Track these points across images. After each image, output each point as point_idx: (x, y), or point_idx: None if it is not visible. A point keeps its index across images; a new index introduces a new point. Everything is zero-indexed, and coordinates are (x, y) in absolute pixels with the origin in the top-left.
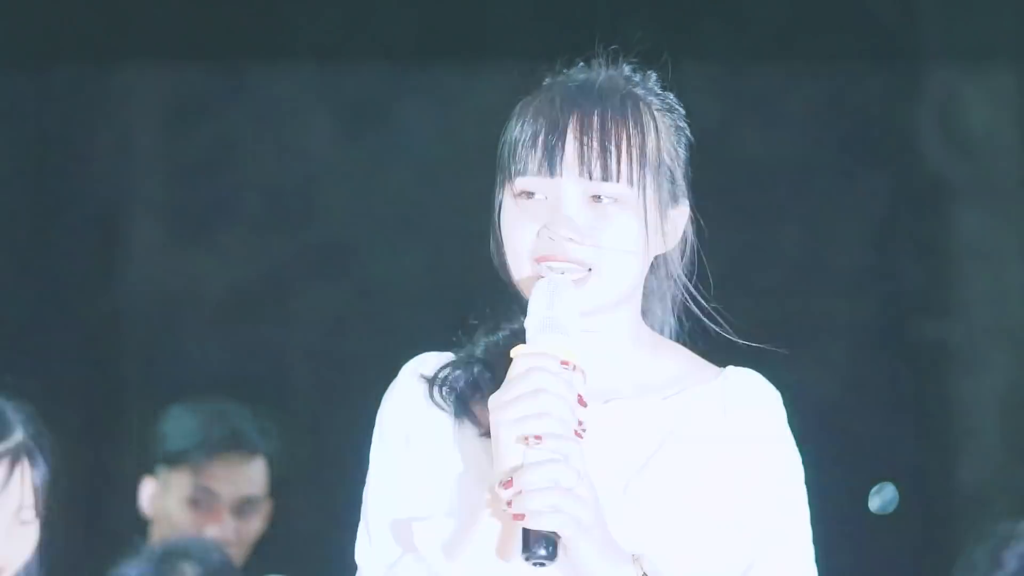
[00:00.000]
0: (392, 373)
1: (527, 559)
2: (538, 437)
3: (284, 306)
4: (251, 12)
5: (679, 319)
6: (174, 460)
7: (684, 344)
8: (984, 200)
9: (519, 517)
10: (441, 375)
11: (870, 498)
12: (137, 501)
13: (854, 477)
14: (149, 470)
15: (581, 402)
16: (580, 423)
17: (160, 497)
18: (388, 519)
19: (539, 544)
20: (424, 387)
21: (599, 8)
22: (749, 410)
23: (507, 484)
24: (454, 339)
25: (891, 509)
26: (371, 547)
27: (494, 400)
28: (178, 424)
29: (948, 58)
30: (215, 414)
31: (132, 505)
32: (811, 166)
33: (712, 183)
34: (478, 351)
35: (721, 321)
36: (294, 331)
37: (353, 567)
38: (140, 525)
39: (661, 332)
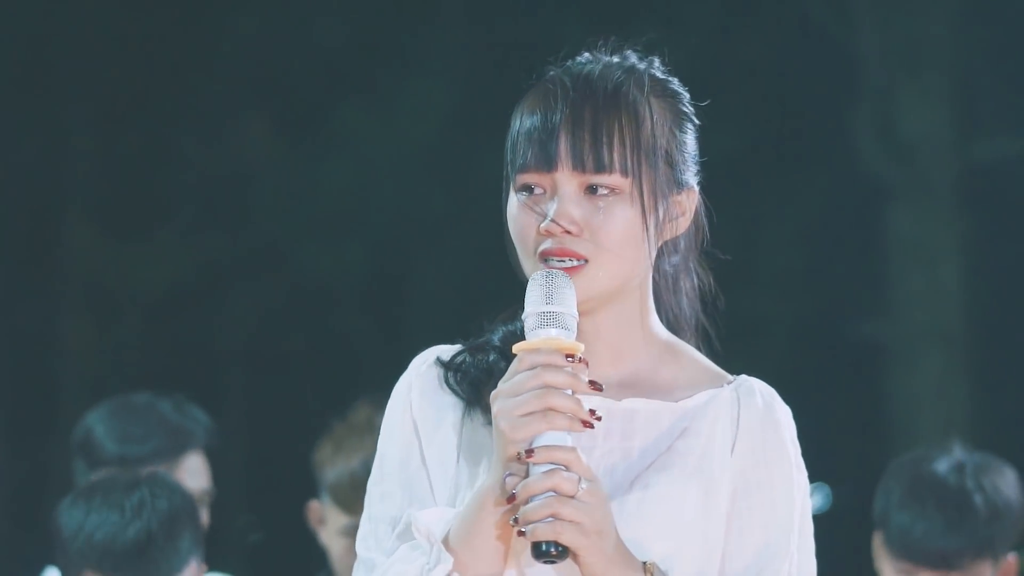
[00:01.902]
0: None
1: (537, 559)
2: (529, 453)
3: (220, 304)
4: (188, 13)
5: (693, 309)
6: (129, 463)
7: (701, 341)
8: (918, 201)
9: (521, 534)
10: (457, 361)
11: None
12: None
13: None
14: (87, 475)
15: (595, 387)
16: (593, 412)
17: None
18: (389, 510)
19: (548, 545)
20: (439, 372)
21: (536, 9)
22: (760, 422)
23: (510, 500)
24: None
25: (825, 509)
26: (373, 537)
27: (497, 395)
28: (118, 427)
29: (883, 61)
30: (152, 413)
31: None
32: (746, 167)
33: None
34: (496, 339)
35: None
36: (230, 329)
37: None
38: None
39: (675, 324)
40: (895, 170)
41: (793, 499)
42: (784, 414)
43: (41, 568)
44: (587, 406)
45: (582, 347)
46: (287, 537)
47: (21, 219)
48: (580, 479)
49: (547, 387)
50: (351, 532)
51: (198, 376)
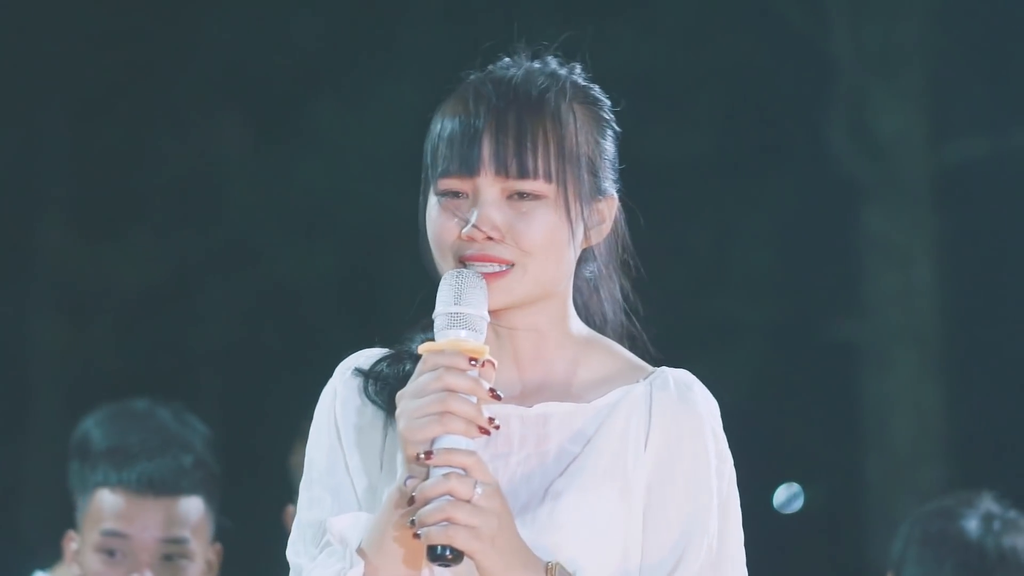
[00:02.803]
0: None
1: (432, 562)
2: (428, 455)
3: (194, 304)
4: (161, 11)
5: (618, 314)
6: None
7: (632, 341)
8: (892, 201)
9: (417, 537)
10: (376, 370)
11: (775, 497)
12: (48, 499)
13: (761, 477)
14: (81, 478)
15: (494, 396)
16: (492, 420)
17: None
18: (318, 515)
19: (443, 548)
20: (359, 382)
21: (508, 9)
22: (673, 413)
23: (410, 502)
24: (376, 338)
25: (797, 508)
26: (301, 542)
27: (401, 395)
28: (116, 433)
29: (857, 62)
30: (151, 421)
31: (41, 504)
32: (720, 167)
33: (620, 184)
34: (413, 347)
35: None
36: (203, 329)
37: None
38: (49, 524)
39: (602, 328)
40: (869, 170)
41: (710, 490)
42: (703, 403)
43: (22, 571)
44: (496, 413)
45: (487, 349)
46: (262, 541)
47: None
48: (476, 483)
49: (447, 390)
50: None
51: (172, 377)
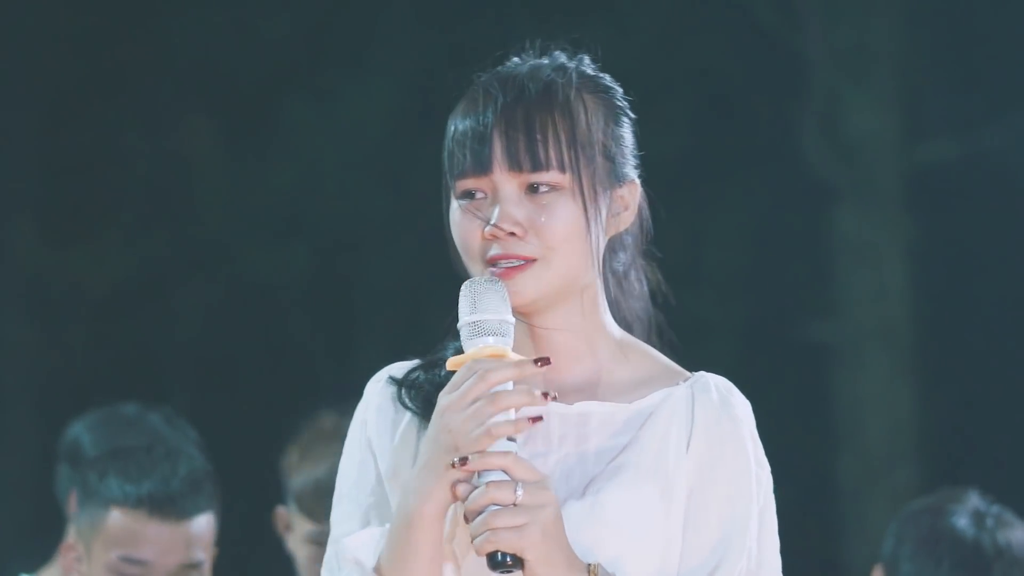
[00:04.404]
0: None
1: (494, 570)
2: (463, 462)
3: (165, 306)
4: (130, 10)
5: (647, 307)
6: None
7: (656, 339)
8: (864, 202)
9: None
10: (410, 378)
11: None
12: (18, 502)
13: None
14: (70, 482)
15: (543, 363)
16: (541, 394)
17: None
18: (345, 531)
19: (503, 555)
20: (393, 390)
21: (482, 12)
22: (715, 417)
23: (466, 519)
24: (408, 354)
25: None
26: (336, 561)
27: (443, 408)
28: (107, 437)
29: (829, 62)
30: (142, 425)
31: (11, 507)
32: (692, 167)
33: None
34: (448, 354)
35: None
36: (174, 331)
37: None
38: (20, 526)
39: (630, 323)
40: (841, 171)
41: (750, 494)
42: (742, 408)
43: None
44: (536, 411)
45: (508, 351)
46: (238, 542)
47: None
48: (517, 484)
49: (478, 408)
50: (316, 539)
51: (142, 379)
